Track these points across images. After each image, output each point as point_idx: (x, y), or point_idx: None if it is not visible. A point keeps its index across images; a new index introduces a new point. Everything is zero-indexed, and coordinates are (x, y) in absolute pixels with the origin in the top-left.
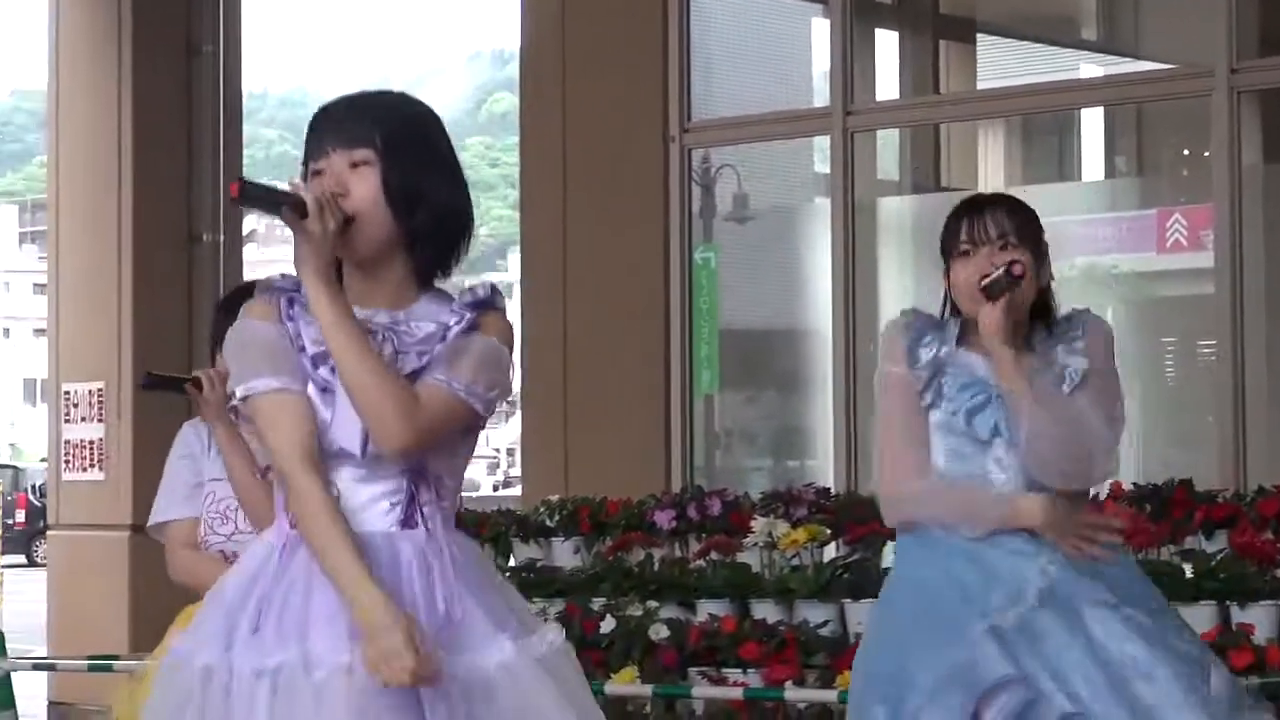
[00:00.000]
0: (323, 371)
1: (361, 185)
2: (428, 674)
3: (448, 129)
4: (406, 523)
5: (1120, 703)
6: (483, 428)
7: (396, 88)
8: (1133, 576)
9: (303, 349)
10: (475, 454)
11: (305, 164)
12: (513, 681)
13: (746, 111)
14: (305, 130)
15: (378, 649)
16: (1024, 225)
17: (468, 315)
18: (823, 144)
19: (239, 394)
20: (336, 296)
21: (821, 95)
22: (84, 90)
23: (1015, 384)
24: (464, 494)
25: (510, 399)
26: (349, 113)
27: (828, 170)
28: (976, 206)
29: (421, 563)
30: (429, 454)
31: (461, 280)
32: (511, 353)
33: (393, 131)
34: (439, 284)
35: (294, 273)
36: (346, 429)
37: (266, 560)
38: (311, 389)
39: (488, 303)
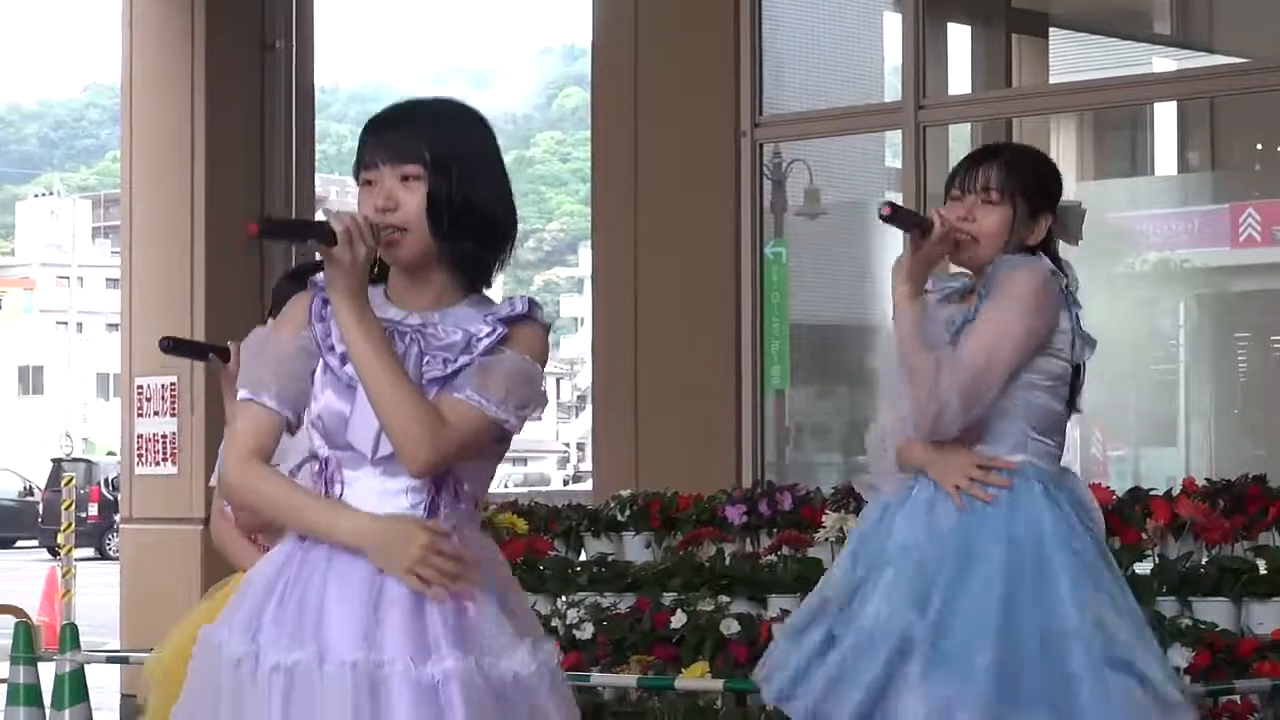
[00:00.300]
0: (350, 368)
1: (412, 199)
2: (446, 546)
3: (517, 125)
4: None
5: None
6: (511, 437)
7: (462, 85)
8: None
9: (331, 348)
10: (547, 448)
11: (356, 172)
12: (528, 693)
13: (818, 106)
14: (363, 135)
15: (390, 555)
16: (1012, 180)
17: (498, 329)
18: (894, 138)
19: (239, 393)
20: (365, 318)
21: (893, 89)
22: (156, 85)
23: (896, 327)
24: (535, 488)
25: (580, 393)
26: (400, 127)
27: (899, 165)
28: (978, 156)
29: None
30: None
31: (526, 279)
32: (544, 367)
33: (441, 147)
34: (485, 290)
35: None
36: (362, 430)
37: (292, 552)
38: (331, 384)
39: (524, 316)
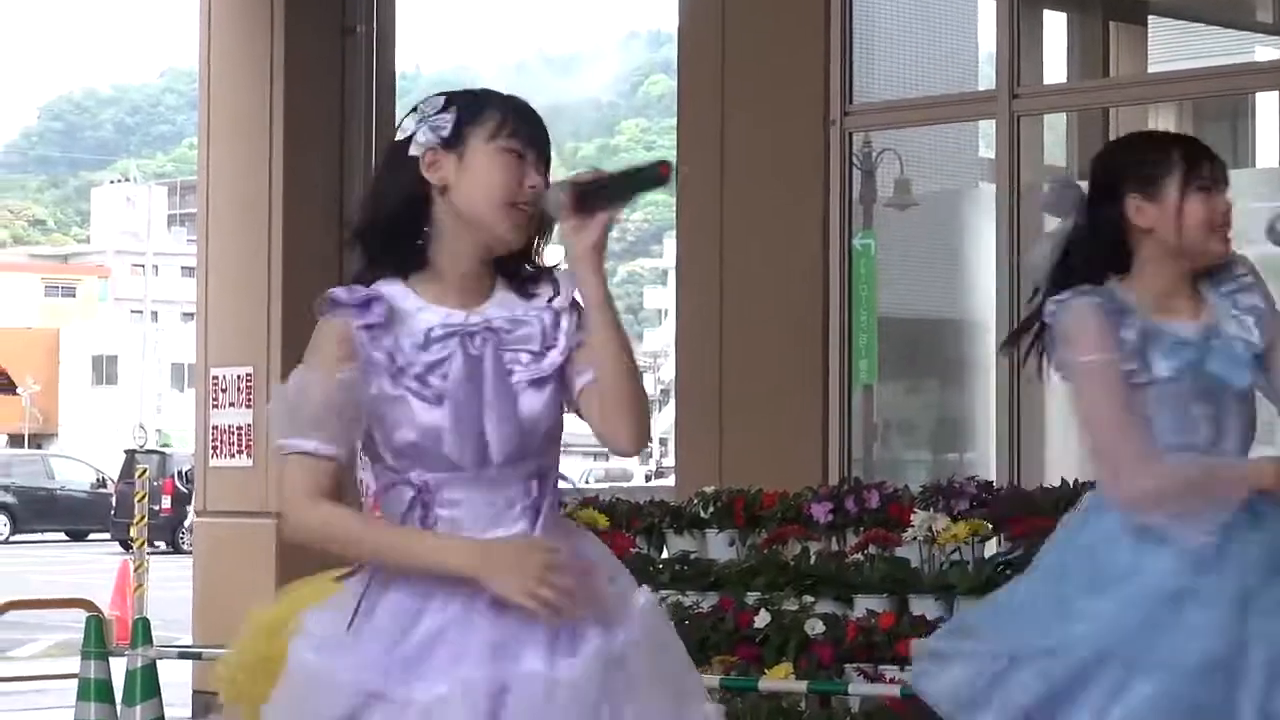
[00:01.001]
0: (434, 381)
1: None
2: (561, 563)
3: (601, 112)
4: (534, 526)
5: None
6: None
7: (545, 72)
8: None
9: (401, 369)
10: None
11: (494, 132)
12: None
13: (909, 94)
14: (511, 108)
15: (506, 578)
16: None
17: (574, 315)
18: (987, 128)
19: (278, 445)
20: (607, 292)
21: (987, 78)
22: (235, 71)
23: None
24: (617, 484)
25: (663, 387)
26: (544, 128)
27: (992, 155)
28: (1206, 148)
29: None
30: (554, 451)
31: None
32: None
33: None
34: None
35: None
36: (463, 440)
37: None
38: (415, 404)
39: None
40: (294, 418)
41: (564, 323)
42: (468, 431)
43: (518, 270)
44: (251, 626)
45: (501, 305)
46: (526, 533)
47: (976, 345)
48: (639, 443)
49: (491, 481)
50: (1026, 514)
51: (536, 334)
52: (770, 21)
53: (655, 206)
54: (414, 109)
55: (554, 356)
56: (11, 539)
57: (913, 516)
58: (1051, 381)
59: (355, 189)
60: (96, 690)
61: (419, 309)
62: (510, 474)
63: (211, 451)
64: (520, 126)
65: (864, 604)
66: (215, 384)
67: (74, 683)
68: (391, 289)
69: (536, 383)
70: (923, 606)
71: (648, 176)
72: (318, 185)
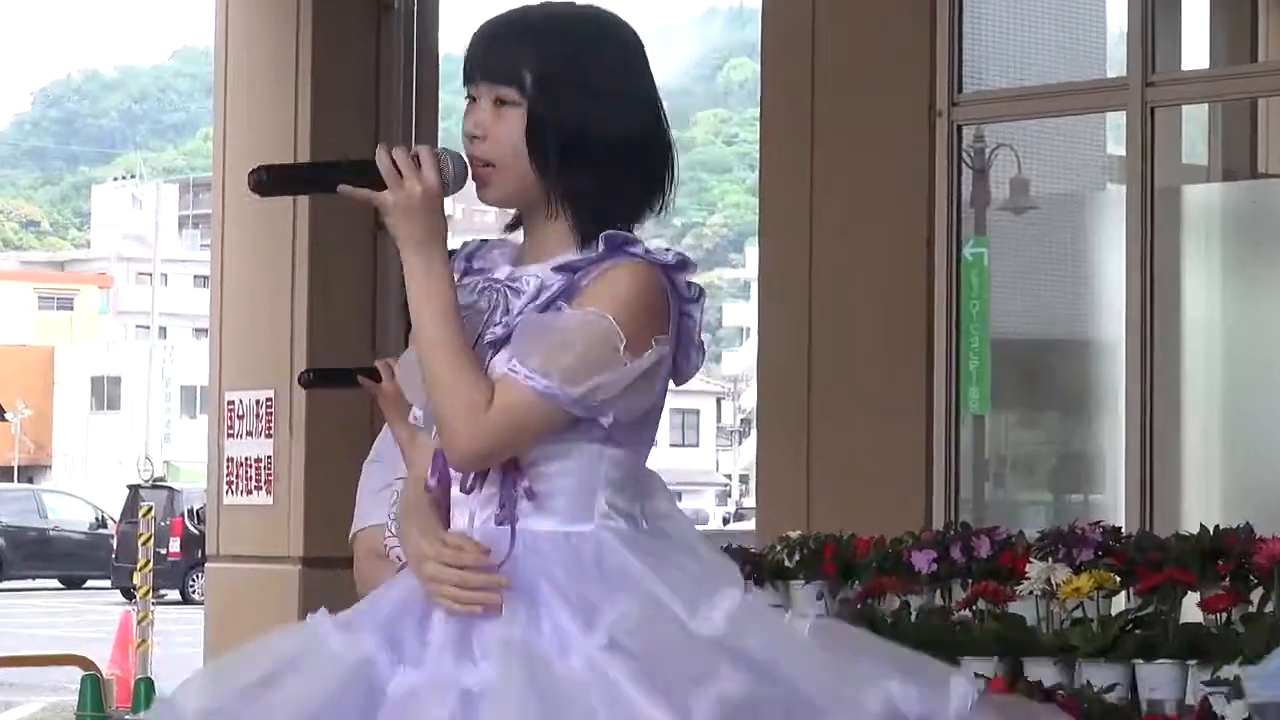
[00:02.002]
0: None
1: (501, 128)
2: (468, 564)
3: (674, 101)
4: (501, 519)
5: None
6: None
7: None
8: None
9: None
10: (703, 480)
11: (467, 91)
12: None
13: (1027, 81)
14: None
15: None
16: None
17: (570, 276)
18: (1118, 121)
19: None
20: (431, 272)
21: (1116, 63)
22: (257, 52)
23: None
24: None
25: (744, 416)
26: (499, 39)
27: (1123, 152)
28: None
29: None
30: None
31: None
32: (637, 315)
33: (548, 66)
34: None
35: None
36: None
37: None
38: None
39: (609, 255)
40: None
41: (529, 285)
42: None
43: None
44: None
45: (554, 263)
46: (487, 526)
47: (1104, 370)
48: (452, 458)
49: (455, 469)
50: (1160, 565)
51: (529, 297)
52: None
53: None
54: None
55: (503, 325)
56: None
57: (1028, 567)
58: (1187, 414)
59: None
60: None
61: (497, 265)
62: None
63: (226, 487)
64: (466, 64)
65: (972, 667)
66: (231, 410)
67: None
68: (506, 249)
69: (494, 345)
70: (1039, 670)
71: (350, 173)
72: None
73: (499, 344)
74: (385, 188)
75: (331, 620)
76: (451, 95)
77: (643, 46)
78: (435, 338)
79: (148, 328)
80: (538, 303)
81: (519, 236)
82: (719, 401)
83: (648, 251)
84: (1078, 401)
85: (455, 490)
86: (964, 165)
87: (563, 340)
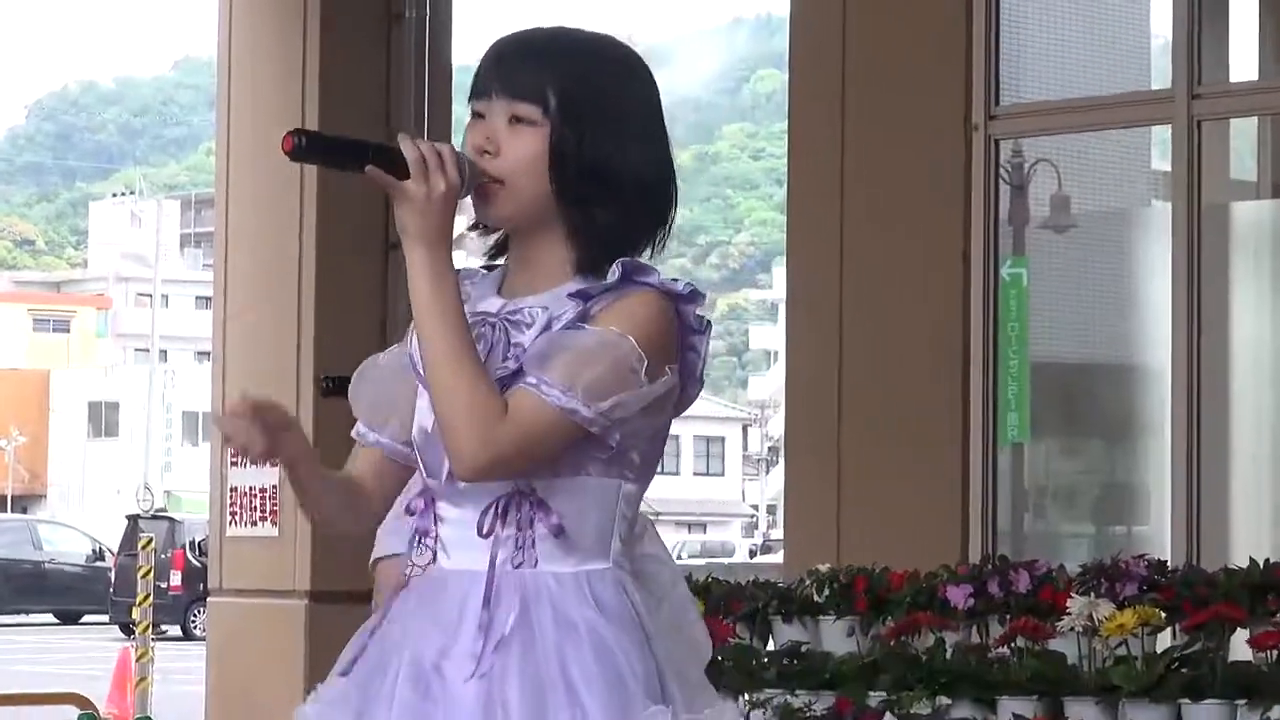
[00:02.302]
0: None
1: (516, 146)
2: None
3: (699, 113)
4: (517, 562)
5: None
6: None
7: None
8: None
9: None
10: (729, 511)
11: (469, 100)
12: None
13: (1067, 93)
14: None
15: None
16: None
17: (583, 304)
18: (1162, 134)
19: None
20: (438, 274)
21: (1161, 73)
22: (262, 62)
23: None
24: (716, 559)
25: (771, 444)
26: (526, 55)
27: (1168, 167)
28: None
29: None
30: (530, 474)
31: (708, 302)
32: (659, 339)
33: (574, 89)
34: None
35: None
36: (437, 442)
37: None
38: (425, 398)
39: (623, 283)
40: (357, 398)
41: (536, 317)
42: (439, 429)
43: (594, 255)
44: None
45: (555, 294)
46: (504, 570)
47: (1149, 396)
48: (459, 467)
49: (461, 496)
50: (1208, 600)
51: (540, 328)
52: (901, 5)
53: (762, 227)
54: None
55: (511, 361)
56: None
57: (1069, 602)
58: (1236, 441)
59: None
60: None
61: (482, 296)
62: (477, 489)
63: (230, 518)
64: (479, 79)
65: (1010, 707)
66: None
67: None
68: (486, 279)
69: (503, 382)
70: (1081, 711)
71: (380, 155)
72: (359, 198)
73: (509, 380)
74: (407, 177)
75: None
76: (464, 107)
77: (654, 80)
78: (443, 340)
79: (147, 351)
80: (552, 331)
81: (475, 262)
82: (745, 428)
83: (661, 280)
84: (1121, 428)
85: (457, 532)
86: (1001, 181)
87: (585, 356)
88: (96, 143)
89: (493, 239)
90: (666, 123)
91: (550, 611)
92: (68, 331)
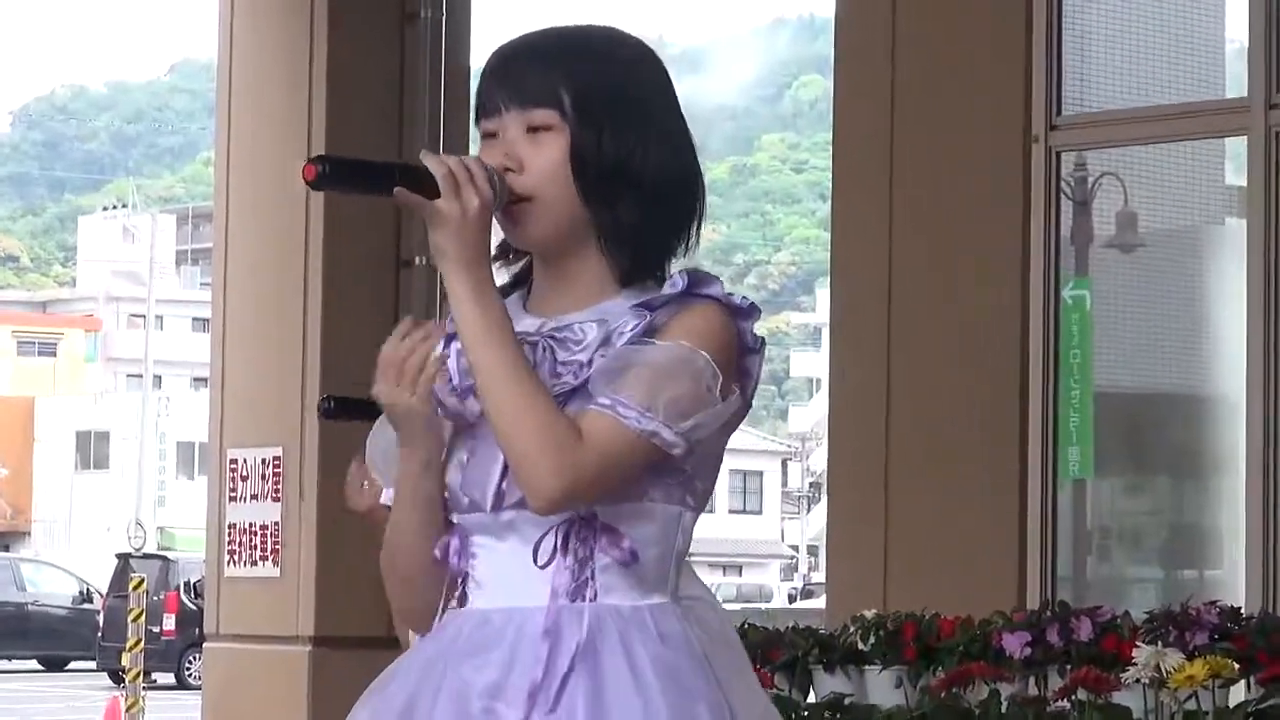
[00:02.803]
0: (472, 404)
1: (539, 157)
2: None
3: (736, 122)
4: (576, 594)
5: None
6: (683, 464)
7: (672, 67)
8: None
9: (452, 385)
10: (767, 552)
11: (477, 120)
12: None
13: (1135, 103)
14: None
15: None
16: None
17: (647, 316)
18: (1237, 146)
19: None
20: (484, 297)
21: (1236, 82)
22: (265, 65)
23: None
24: (752, 604)
25: (813, 479)
26: (530, 60)
27: (1243, 182)
28: None
29: (588, 648)
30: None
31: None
32: (725, 356)
33: (587, 87)
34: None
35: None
36: (479, 472)
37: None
38: (450, 428)
39: (686, 295)
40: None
41: (592, 333)
42: (486, 457)
43: (632, 262)
44: None
45: (604, 309)
46: (560, 603)
47: (1222, 429)
48: (534, 494)
49: (507, 527)
50: None
51: (596, 343)
52: (956, 5)
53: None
54: None
55: (569, 376)
56: None
57: (1135, 652)
58: None
59: (416, 219)
60: None
61: (513, 317)
62: (530, 519)
63: (228, 557)
64: (483, 94)
65: None
66: (234, 469)
67: None
68: (509, 300)
69: (565, 399)
70: None
71: (405, 176)
72: (368, 211)
73: (567, 399)
74: (437, 195)
75: None
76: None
77: (668, 72)
78: (500, 366)
79: (140, 376)
80: (617, 346)
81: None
82: (785, 463)
83: (727, 294)
84: (1192, 464)
85: (497, 567)
86: (1063, 197)
87: (662, 373)
88: (86, 152)
89: (517, 267)
90: (700, 130)
91: (619, 647)
92: (54, 355)
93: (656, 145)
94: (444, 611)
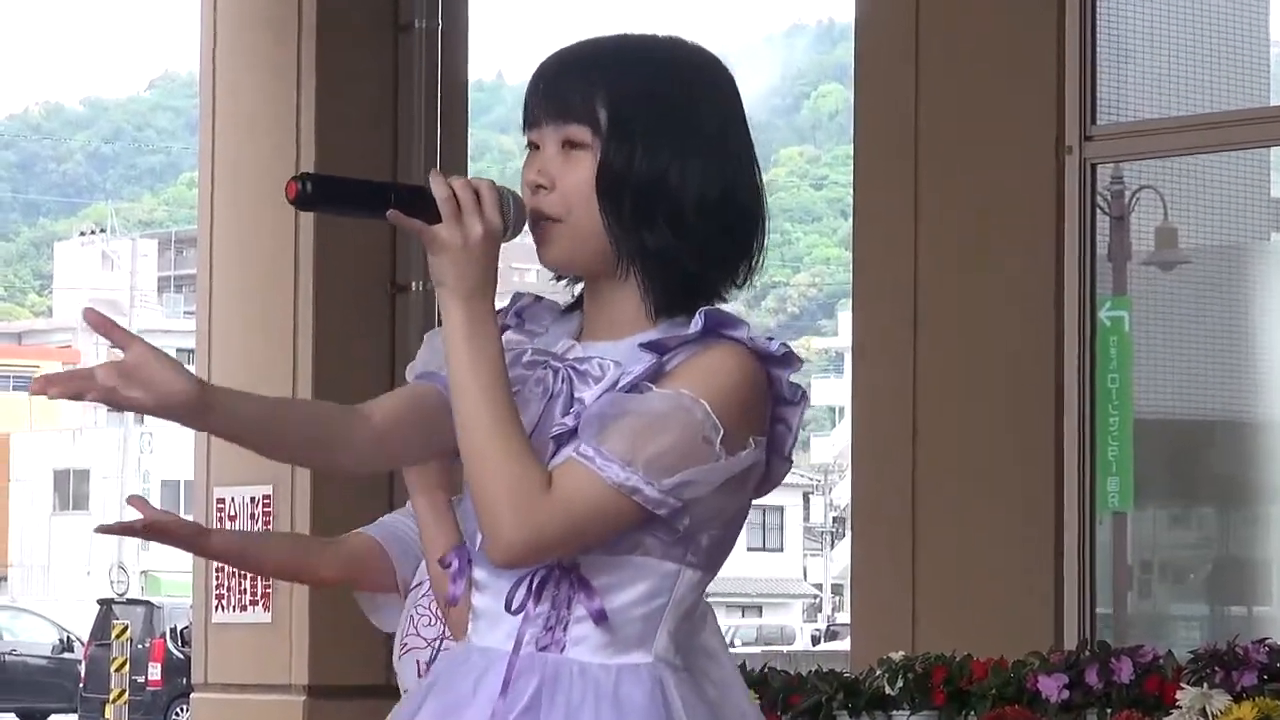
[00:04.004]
0: None
1: (570, 176)
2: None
3: (755, 132)
4: (546, 644)
5: None
6: (680, 521)
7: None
8: None
9: None
10: (789, 592)
11: (523, 131)
12: None
13: (1175, 112)
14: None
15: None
16: None
17: (656, 358)
18: None
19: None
20: (477, 332)
21: None
22: (249, 81)
23: None
24: (774, 647)
25: (836, 514)
26: (571, 71)
27: None
28: None
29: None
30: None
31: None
32: (742, 402)
33: (626, 102)
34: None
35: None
36: (468, 503)
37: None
38: None
39: (706, 335)
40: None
41: (609, 371)
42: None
43: (667, 294)
44: None
45: (633, 343)
46: (527, 650)
47: (1270, 457)
48: (494, 550)
49: (492, 564)
50: None
51: (609, 384)
52: (983, 12)
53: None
54: None
55: (574, 415)
56: None
57: (1179, 694)
58: None
59: (413, 241)
60: None
61: (558, 337)
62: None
63: (216, 602)
64: (528, 105)
65: None
66: (221, 509)
67: None
68: (568, 317)
69: (558, 440)
70: None
71: (402, 198)
72: (362, 233)
73: (565, 439)
74: (438, 220)
75: None
76: (482, 131)
77: (736, 87)
78: (477, 408)
79: (121, 412)
80: (618, 390)
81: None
82: (807, 497)
83: (752, 337)
84: (1238, 494)
85: (491, 603)
86: (1099, 211)
87: (649, 424)
88: (62, 174)
89: (577, 288)
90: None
91: (561, 709)
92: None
93: (697, 168)
94: (441, 641)
